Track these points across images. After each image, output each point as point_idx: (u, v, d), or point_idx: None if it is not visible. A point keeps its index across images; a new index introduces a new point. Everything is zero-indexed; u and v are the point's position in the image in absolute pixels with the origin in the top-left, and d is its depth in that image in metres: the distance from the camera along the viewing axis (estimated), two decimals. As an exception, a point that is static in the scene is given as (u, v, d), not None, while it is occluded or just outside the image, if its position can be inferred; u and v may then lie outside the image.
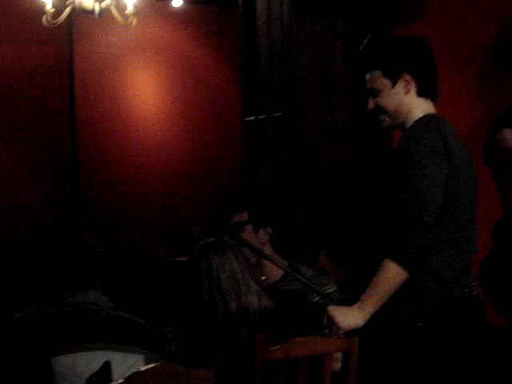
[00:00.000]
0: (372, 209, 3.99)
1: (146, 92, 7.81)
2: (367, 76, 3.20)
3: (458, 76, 4.53)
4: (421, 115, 3.11)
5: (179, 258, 5.17)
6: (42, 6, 5.24)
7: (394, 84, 3.11)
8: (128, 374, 2.42)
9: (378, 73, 3.14)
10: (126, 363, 2.86)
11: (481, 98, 4.69)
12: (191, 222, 6.43)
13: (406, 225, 2.90)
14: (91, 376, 2.64)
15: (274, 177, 4.37)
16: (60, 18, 5.28)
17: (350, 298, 3.04)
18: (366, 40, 4.23)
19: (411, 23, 4.39)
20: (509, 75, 4.77)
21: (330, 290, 3.46)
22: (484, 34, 4.68)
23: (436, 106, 3.22)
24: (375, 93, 3.16)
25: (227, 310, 2.78)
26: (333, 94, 4.48)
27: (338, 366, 3.00)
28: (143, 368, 2.44)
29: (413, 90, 3.12)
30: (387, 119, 3.17)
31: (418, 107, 3.13)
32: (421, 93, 3.13)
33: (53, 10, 5.23)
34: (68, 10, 5.23)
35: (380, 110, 3.17)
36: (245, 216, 3.56)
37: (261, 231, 3.59)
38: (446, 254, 2.99)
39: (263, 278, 3.28)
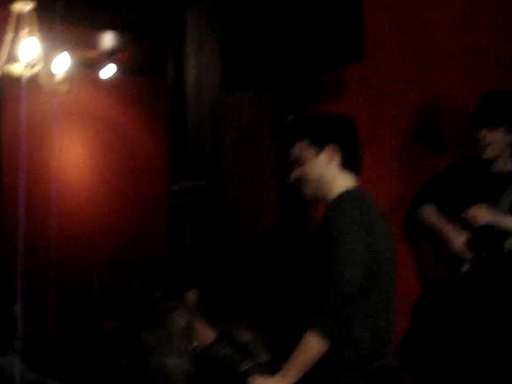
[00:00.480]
0: (295, 280, 4.03)
1: (73, 160, 7.80)
2: (294, 146, 3.28)
3: (379, 152, 4.64)
4: (343, 189, 3.18)
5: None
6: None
7: (319, 153, 3.19)
8: None
9: (305, 141, 3.22)
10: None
11: (401, 175, 4.81)
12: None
13: (328, 297, 2.95)
14: None
15: (197, 246, 4.39)
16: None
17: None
18: (292, 115, 4.34)
19: (335, 100, 4.50)
20: (430, 153, 4.91)
21: (264, 359, 3.47)
22: (404, 114, 4.83)
23: (358, 181, 3.31)
24: (300, 162, 3.23)
25: (146, 370, 2.77)
26: (258, 166, 4.56)
27: None
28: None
29: (337, 161, 3.20)
30: (310, 189, 3.23)
31: (341, 180, 3.20)
32: (344, 165, 3.21)
33: (-19, 76, 5.24)
34: (-4, 76, 5.25)
35: (304, 179, 3.23)
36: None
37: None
38: (366, 326, 3.04)
39: (194, 342, 3.27)
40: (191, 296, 3.64)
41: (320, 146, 3.19)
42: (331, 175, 3.20)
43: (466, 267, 4.30)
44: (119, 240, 7.70)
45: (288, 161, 3.32)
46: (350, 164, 3.23)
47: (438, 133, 4.92)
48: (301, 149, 3.24)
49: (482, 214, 4.23)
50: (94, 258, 7.58)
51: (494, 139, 4.34)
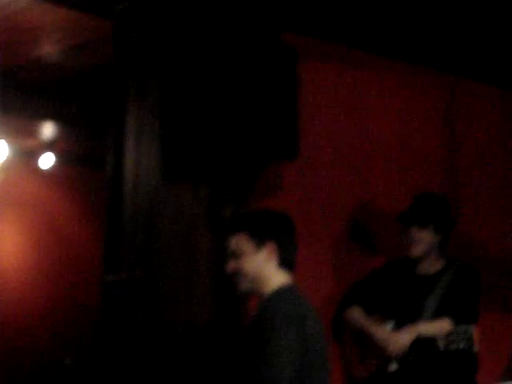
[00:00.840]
0: (228, 374, 4.02)
1: (9, 248, 7.74)
2: (232, 238, 3.30)
3: (312, 248, 4.70)
4: (278, 285, 3.21)
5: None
6: None
7: (258, 249, 3.22)
8: None
9: (244, 235, 3.25)
10: None
11: (333, 273, 4.86)
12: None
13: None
14: None
15: (130, 337, 4.36)
16: None
17: None
18: (230, 208, 4.38)
19: (271, 196, 4.56)
20: (361, 252, 4.98)
21: None
22: (337, 212, 4.91)
23: (292, 278, 3.33)
24: (237, 255, 3.25)
25: None
26: (193, 258, 4.57)
27: None
28: None
29: (275, 259, 3.23)
30: (245, 284, 3.26)
31: (277, 277, 3.23)
32: (281, 264, 3.25)
33: None
34: None
35: (239, 273, 3.26)
36: None
37: None
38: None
39: None
40: None
41: (259, 241, 3.22)
42: (268, 272, 3.22)
43: (393, 367, 4.35)
44: (54, 326, 7.62)
45: (224, 253, 3.34)
46: (287, 262, 3.26)
47: (369, 231, 5.01)
48: (239, 242, 3.26)
49: (399, 342, 4.30)
50: (29, 340, 7.50)
51: (422, 237, 4.46)
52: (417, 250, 4.47)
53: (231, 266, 3.29)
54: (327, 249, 4.82)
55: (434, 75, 5.41)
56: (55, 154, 7.36)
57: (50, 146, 7.18)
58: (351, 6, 4.57)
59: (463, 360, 4.39)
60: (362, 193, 5.04)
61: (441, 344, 4.27)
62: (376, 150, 5.11)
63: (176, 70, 4.17)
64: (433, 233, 4.47)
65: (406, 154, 5.26)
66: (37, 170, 7.39)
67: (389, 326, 4.44)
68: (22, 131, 6.76)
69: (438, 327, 4.35)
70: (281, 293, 3.19)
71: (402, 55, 5.13)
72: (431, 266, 4.52)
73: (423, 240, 4.46)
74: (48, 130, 6.79)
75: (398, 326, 4.42)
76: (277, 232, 3.27)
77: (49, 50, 5.10)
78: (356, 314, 4.50)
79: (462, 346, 4.24)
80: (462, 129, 5.61)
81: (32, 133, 6.88)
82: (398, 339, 4.32)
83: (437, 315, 4.43)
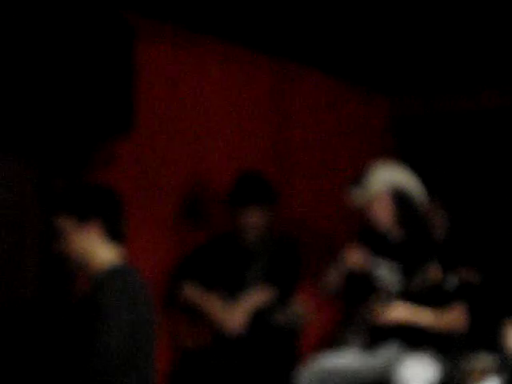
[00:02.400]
0: (54, 349, 3.98)
1: None
2: (56, 217, 3.26)
3: (146, 223, 4.71)
4: (108, 262, 3.20)
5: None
6: None
7: (81, 227, 3.19)
8: None
9: (66, 214, 3.21)
10: None
11: (168, 248, 4.88)
12: None
13: (86, 368, 2.97)
14: None
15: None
16: None
17: None
18: (61, 183, 4.31)
19: (106, 171, 4.53)
20: (194, 226, 5.03)
21: None
22: (171, 188, 4.93)
23: (123, 253, 3.33)
24: (62, 234, 3.22)
25: None
26: (21, 231, 4.47)
27: None
28: None
29: (101, 236, 3.21)
30: (73, 262, 3.23)
31: (105, 254, 3.22)
32: (109, 239, 3.23)
33: None
34: None
35: (66, 252, 3.22)
36: None
37: None
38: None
39: None
40: None
41: (81, 219, 3.19)
42: (95, 249, 3.20)
43: (225, 340, 4.46)
44: None
45: (52, 230, 3.30)
46: (114, 237, 3.25)
47: (201, 207, 5.06)
48: (62, 221, 3.23)
49: (234, 318, 4.42)
50: None
51: (252, 216, 4.52)
52: (248, 230, 4.57)
53: (58, 244, 3.25)
54: (161, 223, 4.84)
55: (263, 57, 5.51)
56: None
57: None
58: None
59: (289, 333, 4.54)
60: (196, 169, 5.08)
61: (270, 318, 4.39)
62: (208, 128, 5.16)
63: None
64: (260, 210, 4.55)
65: (236, 132, 5.34)
66: None
67: (221, 299, 4.53)
68: None
69: (264, 298, 4.50)
70: (111, 269, 3.19)
71: (234, 38, 5.19)
72: (255, 238, 4.62)
73: (252, 218, 4.54)
74: None
75: (227, 298, 4.53)
76: (100, 208, 3.24)
77: None
78: (189, 288, 4.55)
79: (289, 319, 4.38)
80: (289, 110, 5.75)
81: None
82: (232, 317, 4.42)
83: (261, 285, 4.57)
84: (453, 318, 4.25)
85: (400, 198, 4.32)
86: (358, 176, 4.49)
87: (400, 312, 4.16)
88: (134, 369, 3.11)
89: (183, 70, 4.99)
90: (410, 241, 4.34)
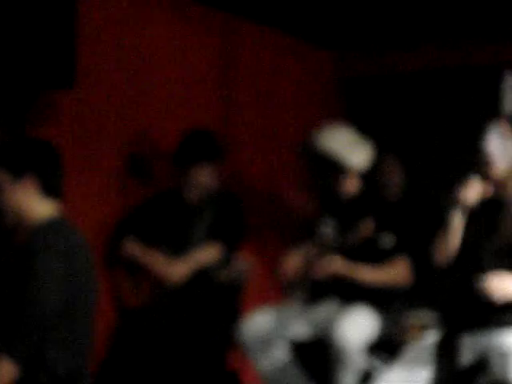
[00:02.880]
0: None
1: None
2: None
3: (87, 178, 4.68)
4: (44, 217, 3.17)
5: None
6: None
7: (16, 182, 3.15)
8: None
9: (1, 170, 3.17)
10: None
11: (110, 204, 4.84)
12: None
13: (22, 320, 2.94)
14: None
15: None
16: None
17: None
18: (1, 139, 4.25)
19: (47, 125, 4.47)
20: (136, 182, 5.00)
21: None
22: (114, 143, 4.87)
23: (61, 208, 3.30)
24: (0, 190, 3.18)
25: None
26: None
27: None
28: None
29: (36, 189, 3.17)
30: (9, 216, 3.20)
31: (42, 208, 3.18)
32: (45, 194, 3.20)
33: None
34: None
35: (2, 206, 3.19)
36: None
37: None
38: (63, 351, 3.06)
39: None
40: None
41: (15, 173, 3.15)
42: (31, 204, 3.16)
43: (166, 297, 4.47)
44: None
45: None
46: (50, 192, 3.21)
47: (147, 165, 5.03)
48: None
49: (176, 273, 4.42)
50: None
51: (201, 174, 4.53)
52: (209, 187, 4.57)
53: (-3, 199, 3.21)
54: (102, 179, 4.80)
55: (210, 12, 5.46)
56: None
57: None
58: None
59: (231, 288, 4.56)
60: (139, 125, 5.04)
61: (213, 274, 4.41)
62: (153, 84, 5.11)
63: None
64: (210, 169, 4.55)
65: (181, 88, 5.30)
66: None
67: (164, 255, 4.53)
68: None
69: (210, 255, 4.51)
70: (48, 224, 3.16)
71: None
72: (202, 196, 4.63)
73: (198, 177, 4.54)
74: None
75: (171, 255, 4.52)
76: (36, 162, 3.18)
77: None
78: (131, 244, 4.54)
79: (232, 275, 4.40)
80: (236, 66, 5.72)
81: None
82: (175, 270, 4.41)
83: (206, 243, 4.58)
84: (394, 273, 4.28)
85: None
86: (307, 136, 4.48)
87: (336, 265, 4.19)
88: (72, 320, 3.09)
89: (127, 24, 4.92)
90: (354, 199, 4.36)
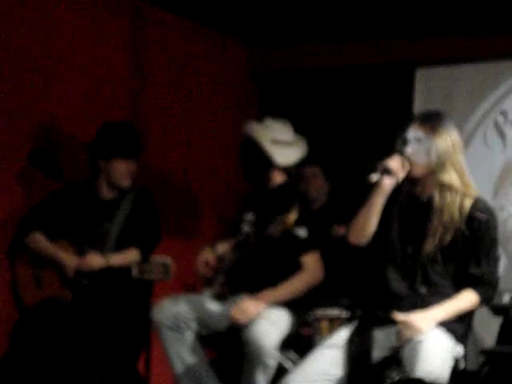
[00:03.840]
0: None
1: None
2: None
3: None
4: None
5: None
6: None
7: None
8: None
9: None
10: None
11: (15, 199, 4.76)
12: None
13: None
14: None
15: None
16: None
17: None
18: None
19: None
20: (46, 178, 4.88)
21: None
22: (21, 137, 4.76)
23: None
24: None
25: None
26: None
27: None
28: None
29: None
30: None
31: None
32: None
33: None
34: None
35: None
36: None
37: None
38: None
39: None
40: None
41: None
42: None
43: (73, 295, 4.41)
44: None
45: None
46: None
47: (54, 158, 4.93)
48: None
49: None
50: None
51: (120, 167, 4.50)
52: (128, 182, 4.53)
53: None
54: (10, 177, 4.73)
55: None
56: None
57: None
58: None
59: (141, 285, 4.49)
60: (47, 115, 4.92)
61: (135, 273, 4.36)
62: (60, 73, 5.00)
63: None
64: (128, 163, 4.52)
65: (90, 77, 5.19)
66: None
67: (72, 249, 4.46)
68: None
69: (128, 258, 4.48)
70: None
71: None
72: (111, 190, 4.54)
73: (130, 171, 4.50)
74: None
75: (81, 251, 4.44)
76: None
77: None
78: (38, 240, 4.44)
79: (154, 276, 4.34)
80: (148, 55, 5.63)
81: None
82: (87, 265, 4.36)
83: (119, 241, 4.54)
84: (310, 275, 4.25)
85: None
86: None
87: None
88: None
89: (33, 10, 4.81)
90: (278, 191, 4.35)
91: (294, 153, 4.37)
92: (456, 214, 3.42)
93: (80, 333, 4.30)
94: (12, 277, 4.49)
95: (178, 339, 4.14)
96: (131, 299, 4.48)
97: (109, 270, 4.42)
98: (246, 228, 4.31)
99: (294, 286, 4.20)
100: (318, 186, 5.40)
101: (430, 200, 3.49)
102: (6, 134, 4.68)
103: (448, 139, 3.45)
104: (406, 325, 3.36)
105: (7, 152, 4.68)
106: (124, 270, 4.44)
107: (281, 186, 4.36)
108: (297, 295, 4.20)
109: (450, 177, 3.44)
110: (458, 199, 3.44)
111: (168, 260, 4.46)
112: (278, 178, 4.36)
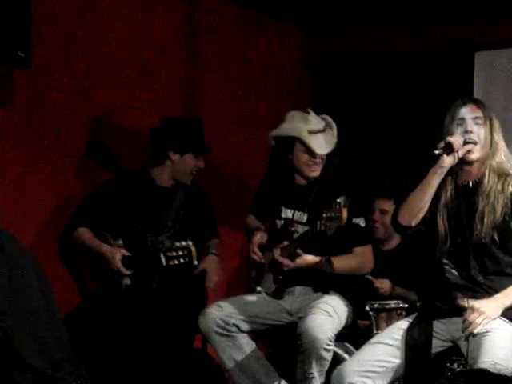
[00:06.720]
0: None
1: None
2: None
3: (39, 166, 4.61)
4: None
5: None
6: None
7: None
8: None
9: None
10: None
11: (67, 191, 4.78)
12: None
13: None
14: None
15: None
16: None
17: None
18: None
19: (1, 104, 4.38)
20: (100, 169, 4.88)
21: None
22: (72, 126, 4.78)
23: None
24: None
25: None
26: None
27: None
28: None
29: None
30: None
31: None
32: None
33: None
34: None
35: None
36: None
37: None
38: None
39: None
40: None
41: None
42: None
43: (125, 282, 4.41)
44: None
45: None
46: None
47: (106, 148, 4.93)
48: None
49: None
50: None
51: (196, 162, 4.53)
52: (190, 179, 4.56)
53: None
54: (60, 167, 4.74)
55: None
56: None
57: None
58: None
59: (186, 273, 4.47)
60: (99, 109, 4.92)
61: (162, 259, 4.34)
62: (113, 66, 4.99)
63: None
64: (200, 158, 4.55)
65: (144, 68, 5.18)
66: None
67: (119, 242, 4.47)
68: None
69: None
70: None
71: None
72: (169, 180, 4.58)
73: (197, 169, 4.55)
74: None
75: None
76: None
77: None
78: (82, 235, 4.48)
79: (181, 261, 4.32)
80: (203, 43, 5.59)
81: None
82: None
83: (175, 230, 4.54)
84: (360, 260, 4.22)
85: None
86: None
87: (306, 260, 4.13)
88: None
89: (85, 3, 4.81)
90: (318, 190, 4.29)
91: (328, 140, 4.29)
92: (502, 195, 3.41)
93: (141, 317, 4.34)
94: (73, 266, 4.54)
95: (229, 342, 4.16)
96: (190, 285, 4.52)
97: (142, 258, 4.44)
98: (294, 228, 4.26)
99: (351, 261, 4.20)
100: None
101: (477, 184, 3.46)
102: (62, 125, 4.72)
103: (496, 123, 3.47)
104: (475, 312, 3.32)
105: (67, 143, 4.72)
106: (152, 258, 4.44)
107: (323, 177, 4.30)
108: (349, 272, 4.19)
109: (501, 159, 3.45)
110: (507, 181, 3.43)
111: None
112: (318, 167, 4.30)
